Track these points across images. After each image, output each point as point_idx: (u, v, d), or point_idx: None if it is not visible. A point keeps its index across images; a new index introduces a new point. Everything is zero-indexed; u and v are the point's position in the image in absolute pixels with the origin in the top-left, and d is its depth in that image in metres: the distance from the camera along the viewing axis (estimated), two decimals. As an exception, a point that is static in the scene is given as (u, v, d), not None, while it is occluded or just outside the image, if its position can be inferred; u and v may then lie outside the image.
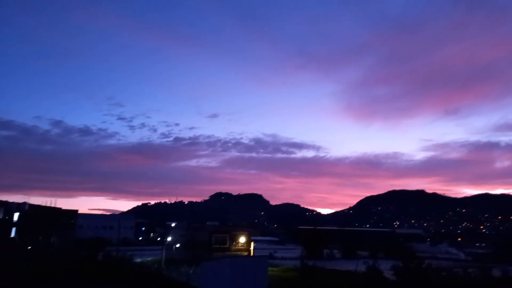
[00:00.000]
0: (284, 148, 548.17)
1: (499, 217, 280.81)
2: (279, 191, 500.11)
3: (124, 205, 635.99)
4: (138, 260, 45.80)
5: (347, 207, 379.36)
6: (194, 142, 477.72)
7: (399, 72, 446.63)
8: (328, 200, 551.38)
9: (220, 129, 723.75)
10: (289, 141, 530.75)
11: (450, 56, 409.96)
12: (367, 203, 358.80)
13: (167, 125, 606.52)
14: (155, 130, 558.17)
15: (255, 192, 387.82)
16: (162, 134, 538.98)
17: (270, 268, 40.21)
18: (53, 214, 67.52)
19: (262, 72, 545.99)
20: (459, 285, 34.40)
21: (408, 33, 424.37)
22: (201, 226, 75.18)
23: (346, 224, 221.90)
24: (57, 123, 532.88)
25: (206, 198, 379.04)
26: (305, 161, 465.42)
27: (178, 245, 56.37)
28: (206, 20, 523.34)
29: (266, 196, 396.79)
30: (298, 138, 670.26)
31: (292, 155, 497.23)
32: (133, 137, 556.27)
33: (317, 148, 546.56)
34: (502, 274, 38.70)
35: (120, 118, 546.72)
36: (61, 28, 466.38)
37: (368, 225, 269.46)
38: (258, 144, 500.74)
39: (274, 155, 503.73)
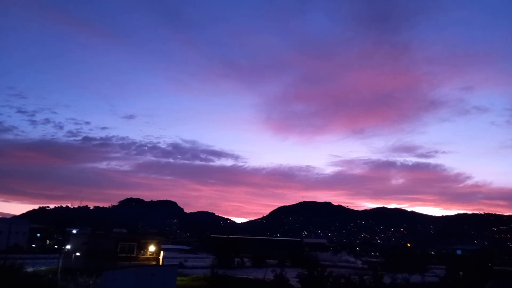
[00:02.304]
0: (203, 156, 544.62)
1: (392, 229, 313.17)
2: (194, 198, 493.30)
3: (17, 208, 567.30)
4: (30, 269, 41.68)
5: (260, 216, 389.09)
6: (105, 143, 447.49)
7: (315, 92, 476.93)
8: (243, 209, 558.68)
9: (136, 131, 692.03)
10: (208, 149, 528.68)
11: (359, 82, 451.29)
12: (280, 213, 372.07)
13: (76, 123, 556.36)
14: (61, 127, 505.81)
15: (169, 199, 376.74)
16: (70, 132, 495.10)
17: (179, 278, 39.20)
18: None
19: (184, 77, 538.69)
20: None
21: (325, 56, 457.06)
22: (107, 233, 70.21)
23: (258, 233, 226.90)
24: None
25: (115, 203, 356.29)
26: (223, 169, 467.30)
27: (78, 254, 51.84)
28: (128, 16, 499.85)
29: (180, 203, 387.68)
30: (217, 146, 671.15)
31: (211, 163, 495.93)
32: (35, 133, 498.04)
33: (236, 157, 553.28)
34: (391, 281, 43.10)
35: (21, 111, 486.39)
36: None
37: (278, 234, 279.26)
38: (176, 149, 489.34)
39: (192, 161, 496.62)
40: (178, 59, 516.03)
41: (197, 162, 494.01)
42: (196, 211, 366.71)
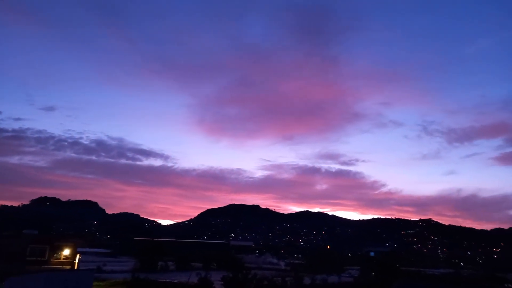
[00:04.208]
0: (129, 154, 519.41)
1: (314, 232, 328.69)
2: (118, 199, 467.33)
3: None
4: None
5: (188, 218, 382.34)
6: (19, 136, 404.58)
7: (249, 96, 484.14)
8: (170, 211, 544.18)
9: (55, 125, 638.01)
10: (136, 147, 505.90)
11: (291, 90, 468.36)
12: (208, 215, 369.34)
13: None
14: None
15: (89, 199, 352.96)
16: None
17: (96, 283, 36.97)
18: None
19: (115, 71, 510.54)
20: (277, 292, 38.52)
21: (260, 62, 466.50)
22: (14, 234, 63.47)
23: (185, 235, 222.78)
24: None
25: (26, 202, 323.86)
26: (151, 169, 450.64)
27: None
28: (57, 3, 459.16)
29: (102, 204, 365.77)
30: (146, 145, 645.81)
31: (138, 162, 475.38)
32: None
33: (165, 157, 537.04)
34: (311, 281, 45.19)
35: None
36: None
37: (205, 237, 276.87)
38: (101, 146, 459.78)
39: (117, 160, 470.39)
40: (110, 52, 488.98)
41: (123, 161, 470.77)
42: (119, 213, 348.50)
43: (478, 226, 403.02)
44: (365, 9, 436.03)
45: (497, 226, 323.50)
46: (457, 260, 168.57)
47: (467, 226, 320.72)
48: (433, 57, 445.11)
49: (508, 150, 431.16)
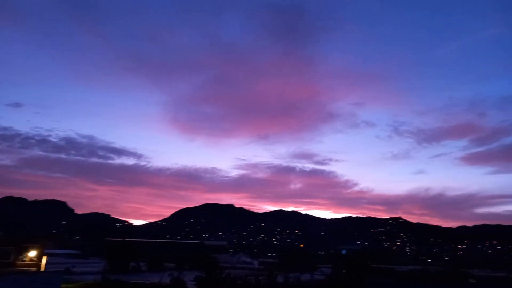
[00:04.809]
0: (101, 153, 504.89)
1: (288, 231, 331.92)
2: (88, 199, 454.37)
3: None
4: None
5: (161, 218, 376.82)
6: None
7: (224, 95, 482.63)
8: (143, 211, 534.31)
9: (22, 122, 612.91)
10: (108, 146, 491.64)
11: (267, 90, 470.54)
12: (182, 215, 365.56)
13: None
14: None
15: (58, 198, 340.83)
16: None
17: (64, 285, 35.88)
18: None
19: (87, 67, 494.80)
20: (250, 291, 38.69)
21: (236, 61, 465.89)
22: (-23, 236, 60.67)
23: (158, 235, 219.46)
24: None
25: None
26: (123, 168, 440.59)
27: None
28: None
29: (71, 204, 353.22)
30: (118, 143, 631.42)
31: (110, 161, 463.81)
32: None
33: (138, 156, 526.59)
34: (284, 280, 45.65)
35: None
36: None
37: (179, 237, 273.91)
38: (70, 144, 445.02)
39: (88, 158, 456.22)
40: (82, 48, 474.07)
41: (94, 160, 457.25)
42: (89, 213, 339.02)
43: (444, 224, 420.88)
44: (340, 10, 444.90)
45: (462, 224, 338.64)
46: (424, 257, 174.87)
47: (434, 224, 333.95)
48: (404, 59, 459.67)
49: (474, 150, 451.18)
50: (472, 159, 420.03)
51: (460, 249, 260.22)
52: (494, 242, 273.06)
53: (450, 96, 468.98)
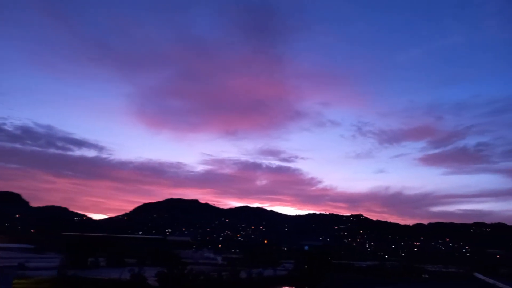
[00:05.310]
0: (60, 144, 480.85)
1: (253, 227, 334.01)
2: (45, 191, 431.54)
3: None
4: None
5: (123, 213, 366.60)
6: None
7: (193, 89, 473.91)
8: (104, 205, 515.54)
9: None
10: (68, 136, 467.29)
11: (236, 86, 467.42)
12: (144, 209, 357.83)
13: None
14: None
15: (11, 190, 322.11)
16: None
17: (17, 281, 34.20)
18: None
19: (48, 54, 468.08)
20: (213, 287, 38.65)
21: (206, 56, 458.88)
22: None
23: (119, 230, 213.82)
24: None
25: None
26: (83, 160, 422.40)
27: None
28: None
29: (26, 196, 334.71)
30: (79, 134, 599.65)
31: (69, 152, 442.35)
32: None
33: (100, 148, 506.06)
34: (247, 276, 45.97)
35: None
36: None
37: (141, 232, 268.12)
38: (27, 134, 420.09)
39: (46, 149, 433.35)
40: (43, 34, 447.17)
41: (53, 151, 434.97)
42: (45, 206, 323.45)
43: (402, 221, 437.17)
44: (309, 11, 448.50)
45: (418, 222, 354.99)
46: (382, 253, 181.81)
47: (393, 221, 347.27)
48: (369, 63, 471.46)
49: (431, 152, 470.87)
50: (429, 160, 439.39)
51: (416, 246, 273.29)
52: (447, 239, 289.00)
53: (410, 99, 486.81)
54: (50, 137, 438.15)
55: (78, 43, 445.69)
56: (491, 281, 68.54)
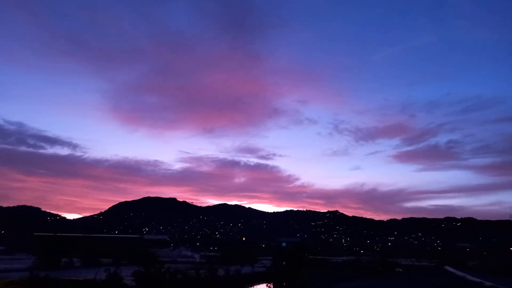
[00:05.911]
0: (31, 141, 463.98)
1: (231, 224, 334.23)
2: (16, 190, 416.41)
3: None
4: None
5: (98, 212, 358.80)
6: None
7: (170, 86, 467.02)
8: (78, 204, 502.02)
9: None
10: (39, 134, 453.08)
11: (214, 82, 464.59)
12: (120, 208, 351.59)
13: None
14: None
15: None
16: None
17: (-15, 284, 33.03)
18: None
19: (17, 48, 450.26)
20: (191, 285, 38.56)
21: (183, 51, 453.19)
22: None
23: (94, 230, 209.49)
24: None
25: None
26: (56, 158, 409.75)
27: None
28: None
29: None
30: (52, 131, 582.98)
31: (41, 150, 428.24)
32: None
33: (73, 146, 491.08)
34: (225, 273, 46.09)
35: None
36: None
37: (117, 231, 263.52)
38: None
39: (16, 147, 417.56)
40: (12, 27, 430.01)
41: (23, 148, 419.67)
42: (16, 205, 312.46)
43: (376, 217, 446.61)
44: (287, 8, 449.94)
45: (392, 217, 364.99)
46: (357, 248, 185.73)
47: (368, 217, 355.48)
48: (345, 61, 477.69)
49: (404, 149, 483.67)
50: (403, 157, 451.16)
51: (390, 241, 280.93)
52: (419, 233, 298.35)
53: (385, 98, 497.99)
54: (20, 134, 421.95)
55: (50, 37, 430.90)
56: (460, 273, 71.38)
